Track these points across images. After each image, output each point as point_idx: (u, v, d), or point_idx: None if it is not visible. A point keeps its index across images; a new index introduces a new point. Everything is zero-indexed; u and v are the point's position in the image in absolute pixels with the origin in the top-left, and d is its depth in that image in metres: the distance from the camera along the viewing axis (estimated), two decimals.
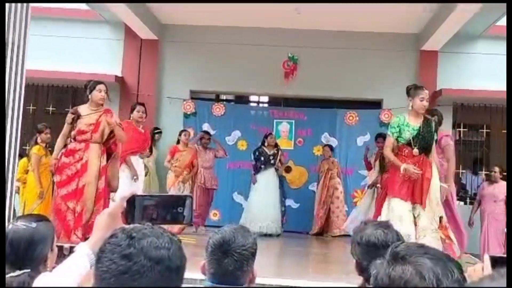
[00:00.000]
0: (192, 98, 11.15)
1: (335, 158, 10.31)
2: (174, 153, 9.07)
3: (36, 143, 8.35)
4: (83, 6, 9.98)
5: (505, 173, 9.59)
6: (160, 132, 10.16)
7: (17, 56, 5.05)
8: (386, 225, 2.62)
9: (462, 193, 10.84)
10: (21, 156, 7.63)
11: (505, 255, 1.84)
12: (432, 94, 8.12)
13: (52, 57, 10.56)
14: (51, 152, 8.43)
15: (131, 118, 7.68)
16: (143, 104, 7.88)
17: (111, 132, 6.44)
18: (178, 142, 9.24)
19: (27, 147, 8.76)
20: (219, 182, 9.86)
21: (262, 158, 9.82)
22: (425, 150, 5.81)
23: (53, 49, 10.68)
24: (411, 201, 5.77)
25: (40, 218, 2.59)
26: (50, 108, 10.93)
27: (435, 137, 5.93)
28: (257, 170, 9.84)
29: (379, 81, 10.78)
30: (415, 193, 5.75)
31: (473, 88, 10.32)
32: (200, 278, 2.40)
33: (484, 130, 11.11)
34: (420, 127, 5.79)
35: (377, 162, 8.89)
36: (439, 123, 6.61)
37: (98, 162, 6.33)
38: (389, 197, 5.88)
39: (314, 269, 6.68)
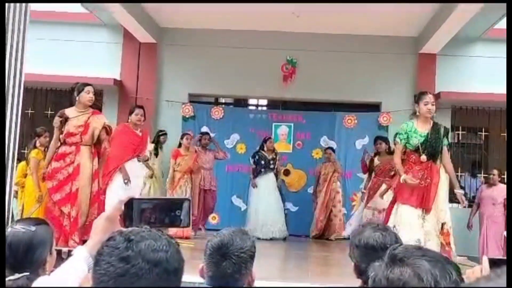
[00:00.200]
0: (190, 102, 11.15)
1: (338, 161, 10.27)
2: (177, 157, 9.05)
3: (35, 146, 8.33)
4: (81, 9, 9.97)
5: (504, 176, 9.60)
6: (165, 134, 10.04)
7: (16, 60, 5.05)
8: (384, 228, 2.62)
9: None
10: (19, 160, 7.62)
11: (503, 257, 1.84)
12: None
13: (50, 60, 10.57)
14: None
15: (129, 121, 7.63)
16: (142, 107, 7.82)
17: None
18: (179, 145, 9.21)
19: (26, 151, 8.74)
20: (218, 186, 9.85)
21: (263, 162, 9.84)
22: (433, 156, 5.82)
23: (51, 52, 10.68)
24: (419, 207, 5.78)
25: (39, 221, 2.59)
26: (49, 112, 10.91)
27: (446, 143, 5.92)
28: (256, 174, 9.85)
29: (377, 84, 10.80)
30: (422, 198, 5.77)
31: (471, 91, 10.33)
32: (199, 281, 2.40)
33: (483, 133, 11.12)
34: (428, 133, 5.81)
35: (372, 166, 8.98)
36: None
37: (90, 164, 6.30)
38: (398, 203, 5.91)
39: (313, 272, 6.68)
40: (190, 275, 2.32)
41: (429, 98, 5.82)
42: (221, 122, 10.95)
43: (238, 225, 2.62)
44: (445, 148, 5.90)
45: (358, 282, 2.55)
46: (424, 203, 5.79)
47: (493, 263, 1.69)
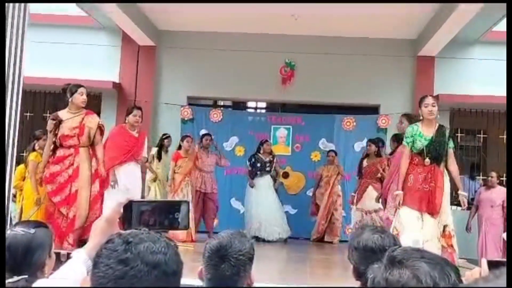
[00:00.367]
0: (189, 104, 11.16)
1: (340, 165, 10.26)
2: (177, 159, 9.03)
3: (34, 149, 8.32)
4: (80, 12, 9.97)
5: (502, 178, 9.62)
6: (169, 137, 9.89)
7: (14, 62, 5.05)
8: (383, 230, 2.63)
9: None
10: (18, 163, 7.61)
11: (502, 259, 1.84)
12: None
13: (49, 63, 10.57)
14: None
15: (126, 121, 7.63)
16: (140, 108, 7.82)
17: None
18: (179, 148, 9.19)
19: (25, 154, 8.73)
20: (217, 188, 9.84)
21: (259, 165, 9.84)
22: (436, 160, 5.86)
23: (50, 55, 10.68)
24: (419, 210, 5.81)
25: (38, 224, 2.59)
26: (47, 115, 10.89)
27: (451, 145, 5.95)
28: (252, 176, 9.87)
29: (376, 86, 10.81)
30: (429, 202, 5.79)
31: (470, 94, 10.35)
32: (198, 284, 2.40)
33: (481, 135, 11.13)
34: (432, 136, 5.85)
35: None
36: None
37: (89, 166, 6.28)
38: (400, 206, 5.94)
39: (313, 274, 6.68)
40: (190, 278, 2.32)
41: (429, 100, 5.89)
42: (220, 124, 10.95)
43: (237, 228, 2.63)
44: (450, 151, 5.93)
45: (357, 285, 2.55)
46: (430, 207, 5.82)
47: (492, 265, 1.69)
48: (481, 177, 10.87)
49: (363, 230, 2.62)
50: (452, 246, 5.82)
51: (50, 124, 6.36)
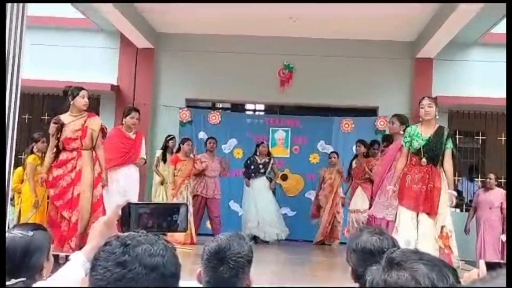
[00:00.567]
0: (188, 107, 11.16)
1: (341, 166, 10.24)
2: (176, 162, 9.01)
3: (32, 152, 8.32)
4: (78, 15, 9.97)
5: (501, 180, 9.62)
6: (174, 138, 9.72)
7: (13, 65, 5.05)
8: (381, 232, 2.62)
9: (458, 200, 10.83)
10: (16, 165, 7.61)
11: (500, 261, 1.84)
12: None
13: (47, 66, 10.56)
14: None
15: (123, 123, 7.64)
16: (138, 111, 7.85)
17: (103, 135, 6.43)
18: (178, 150, 9.16)
19: (23, 156, 8.73)
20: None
21: (252, 167, 9.86)
22: (433, 160, 5.93)
23: (48, 58, 10.67)
24: (416, 210, 5.87)
25: (37, 227, 2.58)
26: (46, 118, 10.90)
27: (450, 146, 5.99)
28: (247, 178, 9.89)
29: (374, 88, 10.82)
30: (425, 202, 5.84)
31: (468, 95, 10.35)
32: (197, 286, 2.40)
33: (480, 137, 11.13)
34: (430, 137, 5.92)
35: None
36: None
37: (91, 169, 6.27)
38: (398, 206, 6.09)
39: (312, 277, 6.67)
40: (189, 280, 2.32)
41: (425, 101, 6.00)
42: (219, 127, 10.95)
43: (235, 230, 2.63)
44: (447, 151, 5.97)
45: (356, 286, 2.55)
46: (427, 207, 5.88)
47: (490, 266, 1.69)
48: (479, 179, 10.87)
49: (361, 232, 2.62)
50: (449, 247, 5.84)
51: (52, 128, 6.34)
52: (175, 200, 8.55)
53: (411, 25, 10.00)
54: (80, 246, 5.87)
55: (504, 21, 8.97)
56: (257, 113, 12.68)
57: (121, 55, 11.06)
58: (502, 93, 8.99)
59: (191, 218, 8.51)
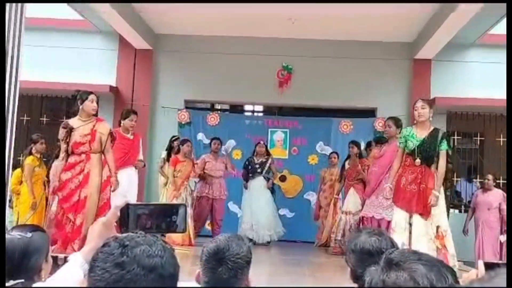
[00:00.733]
0: (186, 108, 11.16)
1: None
2: (176, 164, 9.01)
3: (31, 153, 8.32)
4: (77, 16, 9.97)
5: (499, 181, 9.63)
6: (178, 139, 9.65)
7: (11, 66, 5.04)
8: (380, 232, 2.63)
9: (457, 201, 10.87)
10: (15, 167, 7.61)
11: (499, 261, 1.84)
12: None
13: (46, 67, 10.56)
14: (46, 162, 8.43)
15: (122, 125, 7.67)
16: (136, 113, 7.90)
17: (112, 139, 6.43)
18: (178, 151, 9.15)
19: (22, 158, 8.72)
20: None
21: (250, 167, 9.87)
22: (427, 161, 5.99)
23: (47, 59, 10.67)
24: (408, 210, 5.92)
25: (35, 228, 2.58)
26: (44, 119, 10.91)
27: (444, 147, 6.03)
28: (246, 179, 9.89)
29: (373, 89, 10.83)
30: (418, 203, 5.90)
31: (466, 96, 10.36)
32: (195, 287, 2.40)
33: (478, 138, 11.14)
34: (424, 138, 5.98)
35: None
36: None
37: (99, 172, 6.26)
38: (394, 207, 6.22)
39: (311, 278, 6.67)
40: (187, 281, 2.32)
41: (418, 103, 6.08)
42: (217, 128, 10.95)
43: (234, 231, 2.63)
44: (442, 152, 6.01)
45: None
46: (420, 208, 5.93)
47: (489, 267, 1.69)
48: (478, 179, 10.88)
49: (360, 233, 2.62)
50: (445, 246, 5.87)
51: (61, 133, 6.34)
52: (174, 201, 8.56)
53: (409, 26, 10.02)
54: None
55: (502, 22, 8.99)
56: (255, 114, 12.68)
57: (119, 56, 11.06)
58: (500, 94, 9.00)
59: (189, 219, 8.51)
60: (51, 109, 11.11)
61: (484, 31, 9.92)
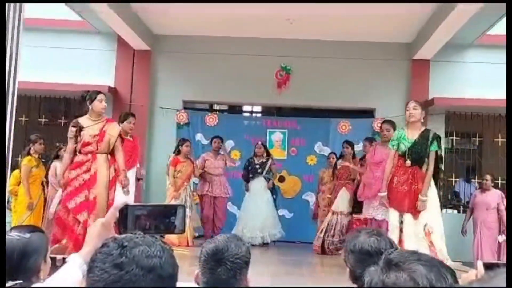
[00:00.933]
0: (185, 108, 11.15)
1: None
2: (176, 164, 9.01)
3: (29, 154, 8.30)
4: (75, 17, 9.96)
5: (497, 181, 9.63)
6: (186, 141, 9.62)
7: (10, 67, 5.04)
8: (379, 233, 2.63)
9: (455, 201, 10.88)
10: (13, 168, 7.60)
11: (497, 262, 1.85)
12: (424, 103, 8.23)
13: (44, 68, 10.54)
14: (45, 163, 8.42)
15: (120, 128, 7.67)
16: (134, 116, 7.94)
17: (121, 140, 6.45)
18: (178, 152, 9.16)
19: (20, 159, 8.71)
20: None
21: (250, 168, 9.87)
22: (417, 162, 6.06)
23: (45, 60, 10.66)
24: (400, 210, 5.98)
25: (34, 229, 2.58)
26: (43, 120, 10.90)
27: (434, 148, 6.07)
28: (247, 180, 9.88)
29: (371, 90, 10.83)
30: (409, 203, 5.96)
31: (465, 97, 10.37)
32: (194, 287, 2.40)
33: (477, 138, 11.14)
34: (415, 140, 6.05)
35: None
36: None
37: (106, 172, 6.25)
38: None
39: (310, 278, 6.67)
40: (186, 282, 2.32)
41: (410, 104, 6.16)
42: (216, 128, 10.93)
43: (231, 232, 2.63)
44: (431, 153, 6.06)
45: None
46: (411, 208, 6.02)
47: (488, 267, 1.69)
48: (476, 180, 10.89)
49: (359, 233, 2.62)
50: (432, 243, 5.94)
51: (70, 131, 6.33)
52: (173, 202, 8.55)
53: (408, 26, 10.02)
54: None
55: (501, 23, 9.00)
56: (254, 114, 12.68)
57: (118, 57, 11.05)
58: (498, 95, 9.01)
59: (188, 220, 8.51)
60: (49, 110, 11.09)
61: (483, 32, 9.93)
